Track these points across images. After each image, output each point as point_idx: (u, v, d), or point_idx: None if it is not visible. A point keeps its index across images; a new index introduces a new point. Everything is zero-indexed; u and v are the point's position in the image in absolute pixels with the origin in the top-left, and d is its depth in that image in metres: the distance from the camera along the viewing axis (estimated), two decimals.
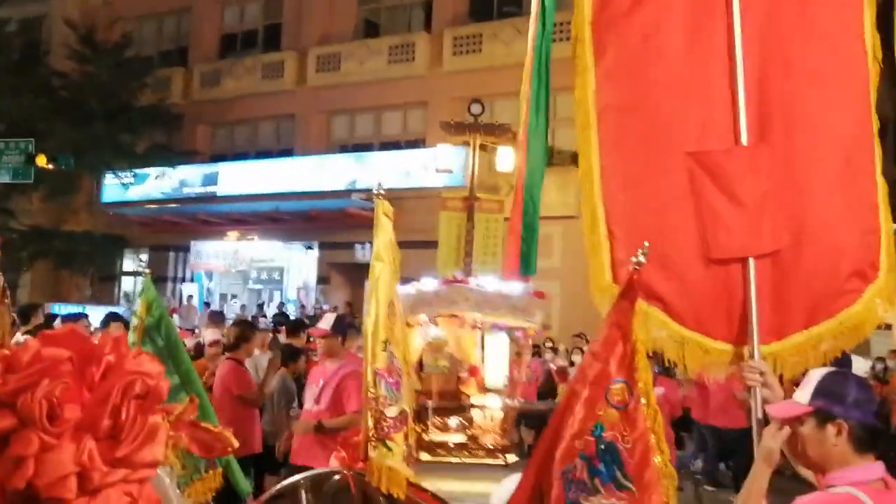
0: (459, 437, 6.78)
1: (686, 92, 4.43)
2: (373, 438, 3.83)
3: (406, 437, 3.95)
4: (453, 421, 7.02)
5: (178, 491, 1.74)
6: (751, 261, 4.30)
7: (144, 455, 1.51)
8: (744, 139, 4.34)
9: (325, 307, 28.54)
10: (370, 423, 3.85)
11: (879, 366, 18.81)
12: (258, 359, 12.96)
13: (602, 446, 3.49)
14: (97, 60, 31.34)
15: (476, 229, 22.68)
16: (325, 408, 8.08)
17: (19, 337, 9.46)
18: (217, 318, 17.53)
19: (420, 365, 7.34)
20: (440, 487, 5.00)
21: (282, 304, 30.67)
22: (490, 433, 6.83)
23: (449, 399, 7.22)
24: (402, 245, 4.30)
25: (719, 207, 4.32)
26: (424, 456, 8.34)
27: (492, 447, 6.78)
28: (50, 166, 27.14)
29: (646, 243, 3.83)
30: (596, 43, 4.44)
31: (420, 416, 9.47)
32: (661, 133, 4.43)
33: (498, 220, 23.48)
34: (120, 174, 32.40)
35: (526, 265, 5.03)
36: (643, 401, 3.56)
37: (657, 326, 4.29)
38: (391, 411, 3.88)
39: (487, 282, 9.31)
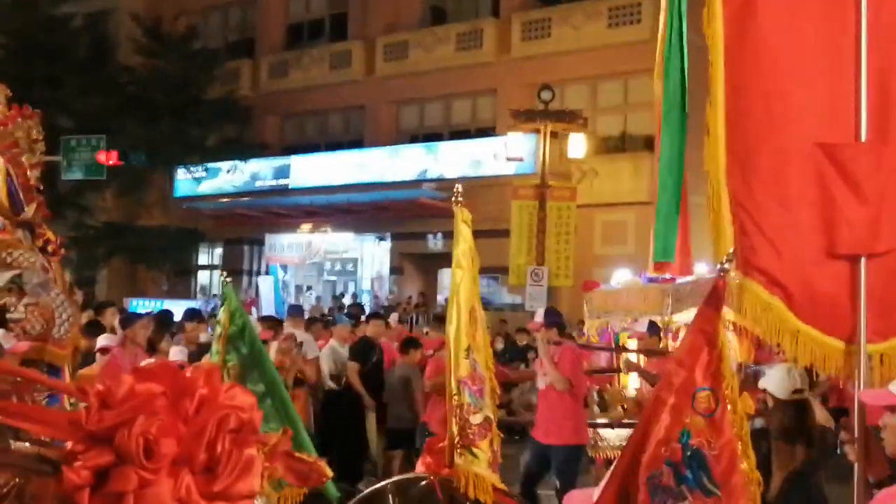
0: None
1: (814, 81, 4.35)
2: (458, 445, 3.86)
3: (491, 442, 3.97)
4: None
5: None
6: (862, 259, 4.22)
7: (241, 488, 1.53)
8: (863, 135, 4.25)
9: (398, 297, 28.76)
10: (455, 430, 3.88)
11: None
12: (337, 351, 13.06)
13: (689, 453, 3.46)
14: (164, 54, 31.71)
15: (548, 217, 22.62)
16: None
17: (102, 340, 9.58)
18: (296, 312, 17.62)
19: None
20: None
21: (354, 296, 30.86)
22: None
23: None
24: (474, 235, 4.26)
25: (843, 202, 4.24)
26: None
27: None
28: (120, 162, 27.42)
29: (731, 250, 3.78)
30: (726, 26, 4.35)
31: None
32: (791, 121, 4.35)
33: (570, 208, 23.37)
34: (192, 169, 32.79)
35: (659, 250, 4.70)
36: (729, 408, 3.52)
37: (776, 318, 4.23)
38: (476, 418, 3.90)
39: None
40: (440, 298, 28.65)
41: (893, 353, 4.33)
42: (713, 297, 3.62)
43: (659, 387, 3.66)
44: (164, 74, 31.44)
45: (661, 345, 10.40)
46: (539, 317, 10.05)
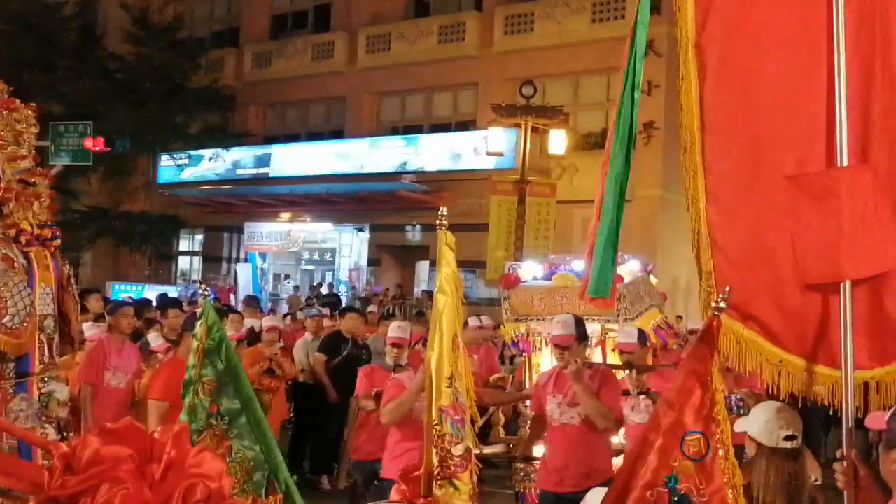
0: None
1: (788, 113, 4.34)
2: (438, 477, 3.76)
3: (472, 474, 3.87)
4: None
5: None
6: (846, 285, 4.15)
7: None
8: (844, 160, 4.19)
9: (377, 289, 28.72)
10: (435, 460, 3.78)
11: None
12: (310, 344, 13.00)
13: (675, 498, 3.36)
14: (151, 42, 31.83)
15: (527, 213, 22.59)
16: None
17: (86, 329, 9.44)
18: (252, 302, 17.01)
19: None
20: None
21: (331, 286, 30.85)
22: None
23: None
24: (452, 228, 4.12)
25: (817, 230, 4.19)
26: None
27: None
28: (106, 148, 27.48)
29: (727, 288, 3.75)
30: (700, 65, 4.36)
31: None
32: (763, 155, 4.36)
33: (550, 204, 23.34)
34: (175, 156, 32.94)
35: (595, 285, 4.51)
36: (721, 453, 3.41)
37: (753, 350, 4.23)
38: (457, 449, 3.77)
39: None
40: (417, 291, 28.64)
41: (890, 381, 4.26)
42: (706, 337, 3.51)
43: (646, 427, 3.55)
44: (151, 62, 31.62)
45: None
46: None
